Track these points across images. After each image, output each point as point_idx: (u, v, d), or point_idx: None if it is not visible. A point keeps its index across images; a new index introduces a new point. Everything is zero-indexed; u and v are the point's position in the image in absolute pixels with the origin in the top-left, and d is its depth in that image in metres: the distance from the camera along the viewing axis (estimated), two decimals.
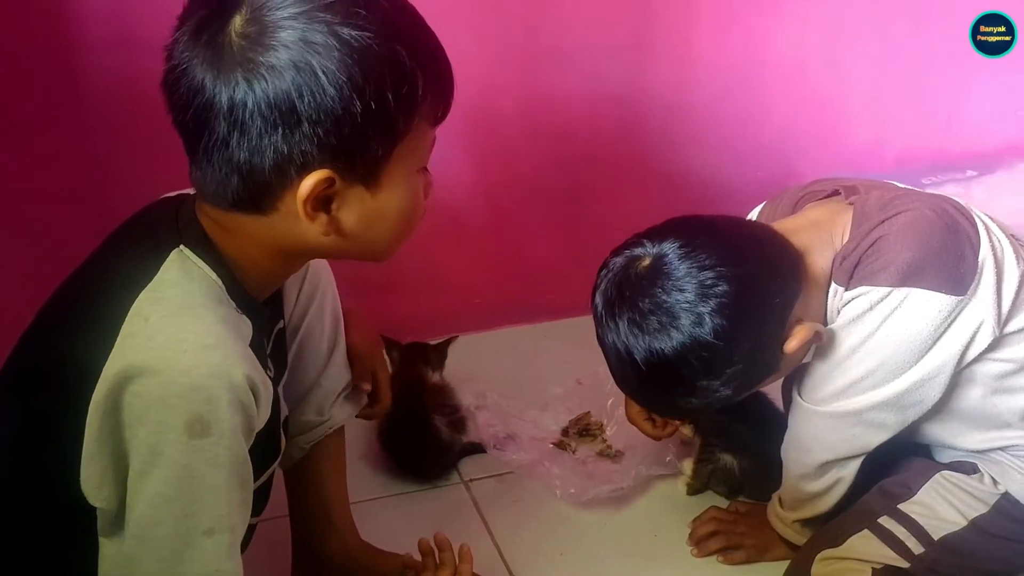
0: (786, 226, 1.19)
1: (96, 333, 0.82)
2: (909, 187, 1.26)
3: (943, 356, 1.13)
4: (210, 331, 0.82)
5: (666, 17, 1.76)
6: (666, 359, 1.08)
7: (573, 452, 1.60)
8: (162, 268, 0.85)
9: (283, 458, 1.19)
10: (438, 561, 1.22)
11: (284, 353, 1.13)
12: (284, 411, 1.11)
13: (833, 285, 1.17)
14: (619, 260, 1.13)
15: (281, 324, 1.10)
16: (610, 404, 1.63)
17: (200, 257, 0.87)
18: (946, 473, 1.26)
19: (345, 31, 0.79)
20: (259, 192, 0.83)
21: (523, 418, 1.64)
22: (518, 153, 1.77)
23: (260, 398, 0.85)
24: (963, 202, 1.20)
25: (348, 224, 0.87)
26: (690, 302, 1.07)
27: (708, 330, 1.07)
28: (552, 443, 1.61)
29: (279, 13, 0.79)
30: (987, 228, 1.16)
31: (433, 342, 1.66)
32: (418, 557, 1.24)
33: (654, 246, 1.10)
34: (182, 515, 0.81)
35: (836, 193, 1.24)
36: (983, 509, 1.23)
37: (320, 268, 1.20)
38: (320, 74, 0.78)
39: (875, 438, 1.21)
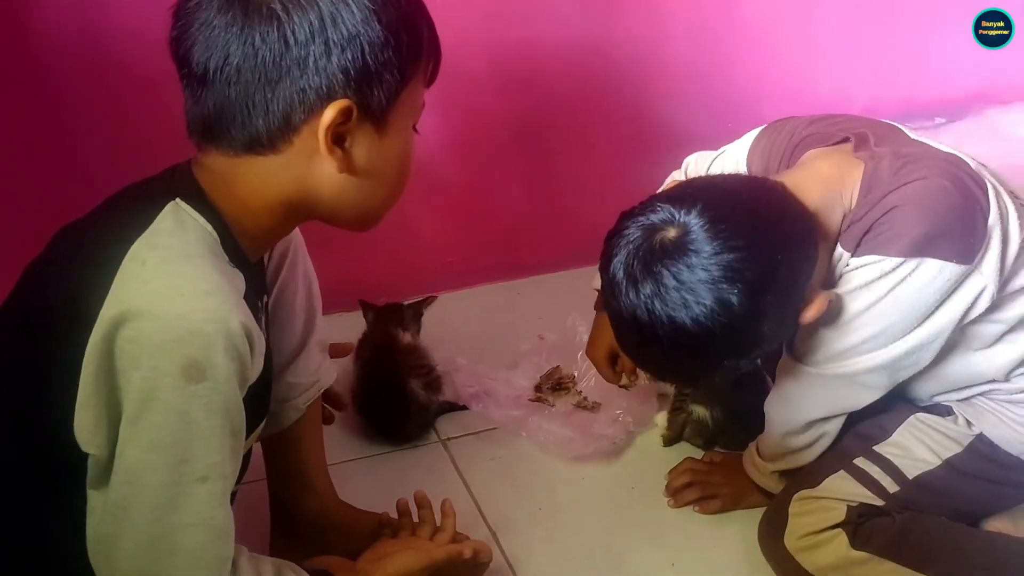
0: (796, 182, 1.14)
1: (91, 277, 0.82)
2: (919, 138, 1.22)
3: (943, 321, 1.12)
4: (208, 278, 0.83)
5: None
6: (692, 337, 1.04)
7: (551, 407, 1.60)
8: (157, 218, 0.86)
9: (275, 421, 1.19)
10: (417, 519, 1.23)
11: (268, 322, 1.12)
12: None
13: (838, 248, 1.15)
14: (638, 228, 1.07)
15: (266, 298, 1.10)
16: (580, 356, 1.63)
17: (196, 210, 0.88)
18: (921, 415, 1.28)
19: None
20: (278, 126, 0.85)
21: (495, 377, 1.64)
22: (487, 108, 1.76)
23: (255, 348, 0.86)
24: (973, 163, 1.17)
25: (359, 162, 0.89)
26: (719, 281, 1.02)
27: (736, 311, 1.02)
28: (529, 399, 1.62)
29: None
30: (996, 192, 1.14)
31: (407, 302, 1.65)
32: (396, 516, 1.25)
33: (679, 216, 1.04)
34: (176, 461, 0.81)
35: (845, 140, 1.20)
36: (957, 449, 1.25)
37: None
38: (350, 0, 0.83)
39: (866, 398, 1.22)
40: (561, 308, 1.71)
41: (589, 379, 1.62)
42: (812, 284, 1.11)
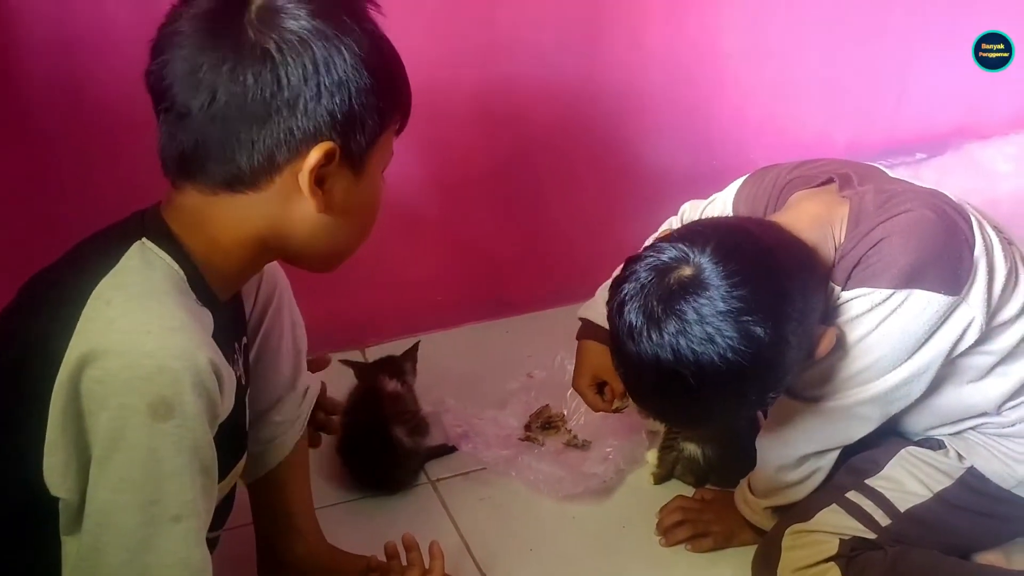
0: (787, 222, 1.15)
1: (57, 318, 0.82)
2: (898, 177, 1.24)
3: (933, 353, 1.13)
4: (174, 315, 0.83)
5: (619, 6, 1.76)
6: (720, 373, 1.02)
7: (541, 446, 1.59)
8: (123, 258, 0.86)
9: (261, 463, 1.19)
10: (405, 562, 1.21)
11: (248, 364, 1.12)
12: (248, 416, 1.10)
13: (829, 283, 1.15)
14: (649, 270, 1.05)
15: (244, 340, 1.10)
16: (569, 395, 1.62)
17: (163, 249, 0.88)
18: (912, 449, 1.28)
19: (349, 20, 0.87)
20: (261, 165, 0.86)
21: (484, 417, 1.63)
22: (472, 146, 1.76)
23: (224, 384, 0.86)
24: (955, 198, 1.19)
25: (336, 204, 0.90)
26: (741, 313, 1.01)
27: (762, 341, 1.01)
28: (519, 439, 1.60)
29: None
30: (980, 225, 1.16)
31: (396, 355, 1.64)
32: (384, 559, 1.24)
33: (692, 255, 1.04)
34: (148, 501, 0.80)
35: (829, 181, 1.22)
36: (948, 482, 1.25)
37: (276, 273, 1.19)
38: (341, 47, 0.85)
39: (859, 431, 1.22)
40: (549, 346, 1.71)
41: (579, 417, 1.62)
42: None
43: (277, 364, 1.20)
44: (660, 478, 1.53)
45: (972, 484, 1.24)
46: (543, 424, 1.64)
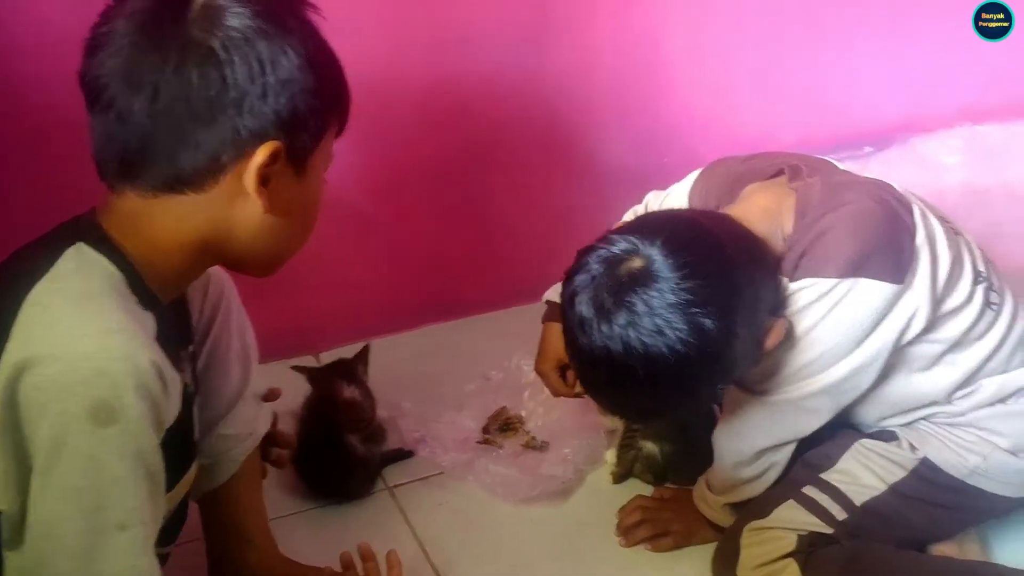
0: (739, 215, 1.17)
1: None
2: (846, 169, 1.26)
3: (880, 342, 1.14)
4: (112, 317, 0.81)
5: (566, 5, 1.76)
6: (669, 365, 1.03)
7: (499, 448, 1.58)
8: (59, 261, 0.84)
9: (212, 476, 1.17)
10: (362, 572, 1.20)
11: (195, 373, 1.10)
12: (196, 426, 1.08)
13: (778, 275, 1.16)
14: (600, 262, 1.06)
15: (191, 348, 1.08)
16: (526, 396, 1.62)
17: (99, 252, 0.86)
18: (865, 441, 1.29)
19: (291, 20, 0.87)
20: (205, 165, 0.85)
21: (441, 420, 1.62)
22: (421, 145, 1.75)
23: (168, 386, 0.84)
24: (899, 188, 1.21)
25: (282, 204, 0.90)
26: (690, 305, 1.02)
27: (711, 334, 1.02)
28: (477, 442, 1.59)
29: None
30: (923, 214, 1.18)
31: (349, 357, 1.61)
32: (340, 570, 1.22)
33: (642, 246, 1.04)
34: (92, 509, 0.78)
35: (779, 173, 1.23)
36: (901, 474, 1.26)
37: (222, 279, 1.17)
38: (286, 46, 0.84)
39: (811, 424, 1.23)
40: (505, 347, 1.70)
41: (537, 418, 1.61)
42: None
43: (226, 372, 1.18)
44: (619, 477, 1.52)
45: (925, 475, 1.26)
46: (501, 426, 1.62)
